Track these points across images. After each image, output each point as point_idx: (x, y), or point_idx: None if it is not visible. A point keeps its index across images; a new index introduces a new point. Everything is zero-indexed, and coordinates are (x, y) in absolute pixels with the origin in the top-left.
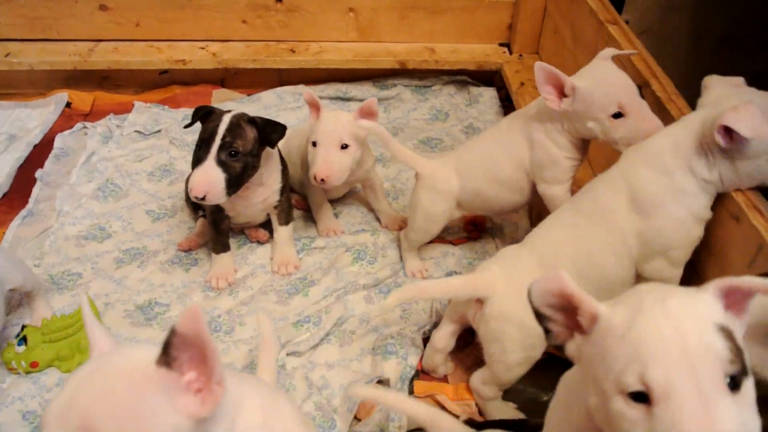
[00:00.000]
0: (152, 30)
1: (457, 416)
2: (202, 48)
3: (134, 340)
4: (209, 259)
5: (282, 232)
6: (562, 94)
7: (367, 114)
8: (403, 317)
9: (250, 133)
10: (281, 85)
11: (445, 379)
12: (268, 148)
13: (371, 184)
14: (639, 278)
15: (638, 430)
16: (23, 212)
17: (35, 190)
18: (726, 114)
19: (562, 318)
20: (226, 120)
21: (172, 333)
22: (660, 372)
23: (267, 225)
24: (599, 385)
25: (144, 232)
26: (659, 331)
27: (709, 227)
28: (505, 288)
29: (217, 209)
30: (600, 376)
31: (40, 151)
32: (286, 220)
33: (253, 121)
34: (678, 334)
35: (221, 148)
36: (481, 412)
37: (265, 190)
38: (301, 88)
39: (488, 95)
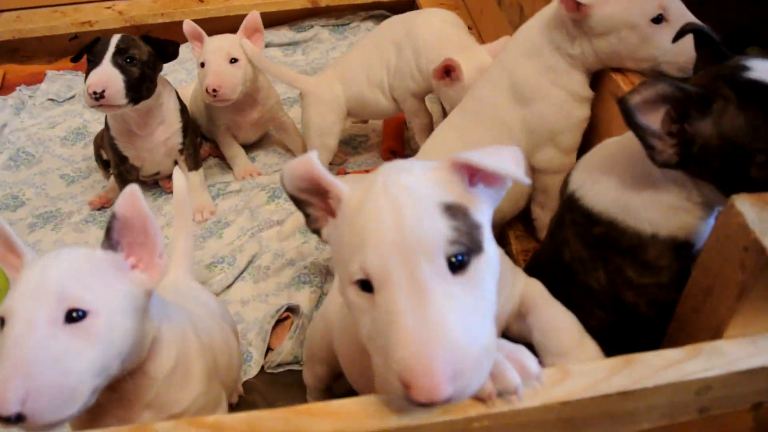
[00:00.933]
0: None
1: None
2: (108, 8)
3: None
4: None
5: (193, 178)
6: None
7: (253, 30)
8: (317, 248)
9: (144, 47)
10: None
11: None
12: (162, 77)
13: (282, 125)
14: (536, 173)
15: (365, 319)
16: None
17: None
18: None
19: (318, 202)
20: (117, 36)
21: (113, 217)
22: (376, 259)
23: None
24: (339, 273)
25: (58, 195)
26: (378, 215)
27: (594, 108)
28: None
29: (122, 160)
30: (337, 264)
31: None
32: (194, 164)
33: (145, 38)
34: (395, 217)
35: (116, 53)
36: None
37: (166, 129)
38: None
39: None
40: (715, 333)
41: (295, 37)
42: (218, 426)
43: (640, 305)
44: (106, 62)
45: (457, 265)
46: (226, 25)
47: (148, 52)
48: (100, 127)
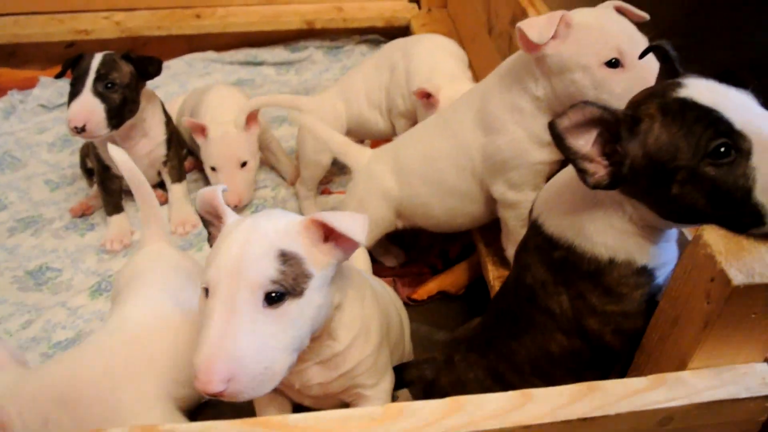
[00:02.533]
0: (54, 2)
1: None
2: (106, 18)
3: (22, 305)
4: (106, 224)
5: (176, 190)
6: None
7: (252, 119)
8: None
9: (125, 67)
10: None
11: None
12: (147, 91)
13: (267, 146)
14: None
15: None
16: None
17: None
18: (522, 21)
19: (217, 224)
20: (98, 57)
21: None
22: (213, 275)
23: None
24: None
25: (41, 201)
26: (230, 244)
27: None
28: (365, 167)
29: (104, 169)
30: None
31: None
32: (178, 177)
33: (127, 56)
34: (240, 250)
35: (97, 80)
36: None
37: (149, 141)
38: (210, 54)
39: None
40: (681, 363)
41: (290, 57)
42: None
43: (605, 334)
44: (87, 92)
45: (274, 300)
46: (223, 41)
47: (129, 73)
48: None
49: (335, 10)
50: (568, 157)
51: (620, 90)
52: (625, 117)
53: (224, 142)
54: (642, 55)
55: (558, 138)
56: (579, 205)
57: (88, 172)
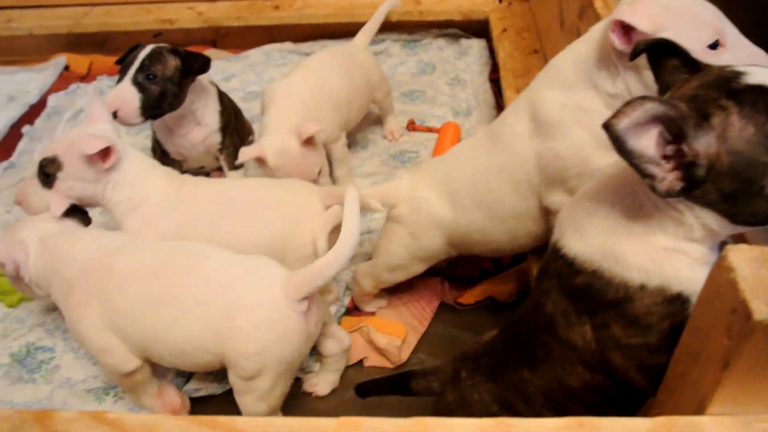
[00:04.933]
0: None
1: (382, 350)
2: (190, 8)
3: None
4: None
5: (233, 177)
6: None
7: (306, 135)
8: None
9: (172, 61)
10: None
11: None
12: (200, 83)
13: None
14: (550, 215)
15: None
16: (5, 164)
17: (20, 144)
18: (621, 8)
19: None
20: (148, 48)
21: None
22: None
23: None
24: None
25: None
26: None
27: None
28: (407, 196)
29: (164, 154)
30: None
31: (35, 111)
32: (233, 165)
33: (176, 51)
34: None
35: (139, 70)
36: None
37: (202, 129)
38: (287, 45)
39: (477, 46)
40: (699, 405)
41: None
42: (119, 424)
43: (629, 369)
44: (127, 80)
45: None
46: (300, 32)
47: (174, 68)
48: None
49: (412, 3)
50: (631, 162)
51: None
52: (691, 111)
53: (286, 170)
54: (632, 58)
55: (618, 141)
56: (614, 222)
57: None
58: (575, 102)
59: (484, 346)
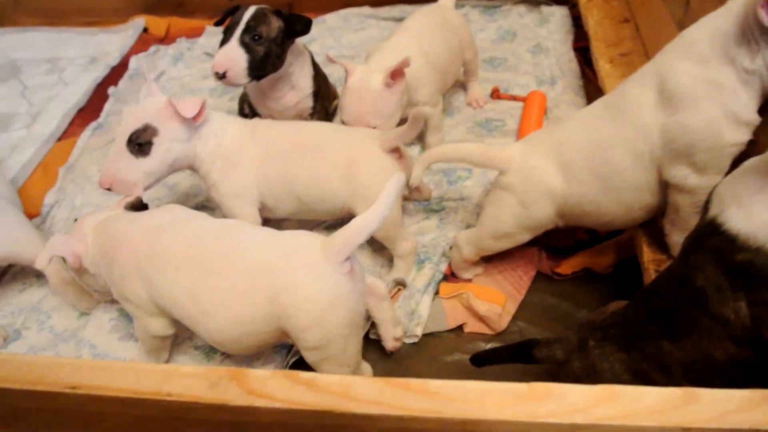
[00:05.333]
0: None
1: (482, 317)
2: None
3: None
4: None
5: None
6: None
7: (399, 75)
8: (439, 226)
9: (275, 22)
10: (347, 8)
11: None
12: (297, 47)
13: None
14: (669, 188)
15: None
16: (93, 124)
17: (107, 106)
18: None
19: None
20: (251, 10)
21: None
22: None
23: None
24: None
25: None
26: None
27: (759, 133)
28: (520, 165)
29: (254, 116)
30: None
31: (117, 73)
32: None
33: (278, 12)
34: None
35: (245, 31)
36: (493, 325)
37: (296, 93)
38: (365, 9)
39: (559, 14)
40: None
41: None
42: (313, 383)
43: None
44: (234, 41)
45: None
46: None
47: (277, 29)
48: None
49: None
50: None
51: None
52: None
53: (358, 93)
54: None
55: None
56: None
57: (243, 116)
58: (709, 76)
59: (612, 317)
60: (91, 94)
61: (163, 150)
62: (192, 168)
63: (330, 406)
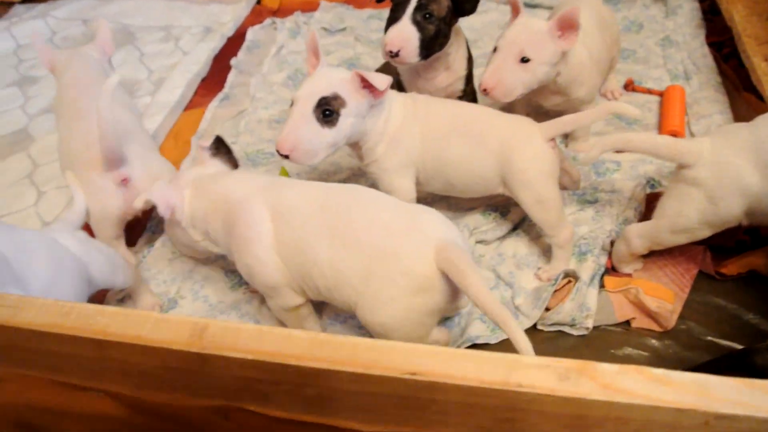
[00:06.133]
0: None
1: (652, 313)
2: None
3: None
4: None
5: None
6: None
7: (567, 26)
8: (594, 218)
9: (444, 1)
10: None
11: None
12: (456, 27)
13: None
14: None
15: None
16: (220, 95)
17: (230, 77)
18: None
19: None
20: None
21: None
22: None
23: None
24: None
25: None
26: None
27: None
28: (710, 159)
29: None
30: None
31: (232, 43)
32: None
33: None
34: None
35: (417, 9)
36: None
37: (450, 75)
38: None
39: (688, 7)
40: None
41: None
42: (666, 379)
43: None
44: (405, 19)
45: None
46: None
47: (447, 8)
48: (372, 60)
49: None
50: None
51: None
52: None
53: (518, 27)
54: None
55: None
56: None
57: None
58: None
59: None
60: (210, 64)
61: (347, 123)
62: (350, 145)
63: (689, 405)
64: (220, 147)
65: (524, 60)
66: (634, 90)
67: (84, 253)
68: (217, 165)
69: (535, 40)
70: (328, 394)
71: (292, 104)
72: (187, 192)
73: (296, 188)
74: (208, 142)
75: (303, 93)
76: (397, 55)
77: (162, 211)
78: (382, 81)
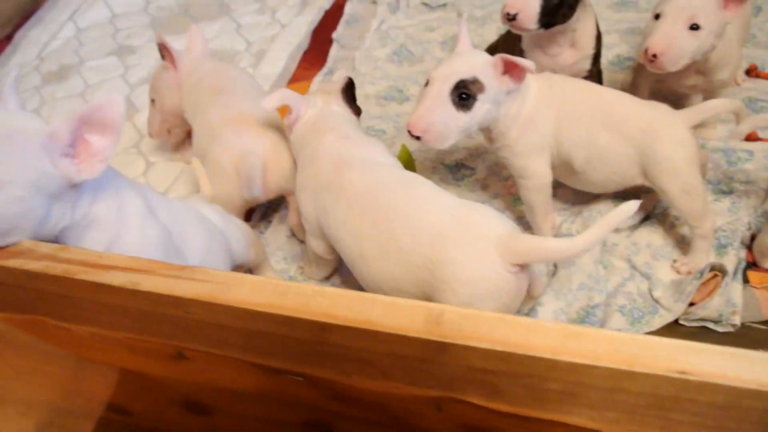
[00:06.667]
0: None
1: None
2: None
3: None
4: None
5: None
6: None
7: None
8: (730, 210)
9: None
10: None
11: None
12: (586, 0)
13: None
14: None
15: None
16: (324, 69)
17: (332, 51)
18: None
19: None
20: None
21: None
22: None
23: None
24: None
25: None
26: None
27: None
28: None
29: None
30: None
31: (330, 17)
32: None
33: None
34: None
35: None
36: None
37: (575, 53)
38: None
39: None
40: None
41: None
42: None
43: None
44: None
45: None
46: None
47: None
48: (477, 38)
49: None
50: None
51: None
52: None
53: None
54: None
55: None
56: None
57: None
58: None
59: None
60: (310, 36)
61: (483, 109)
62: (481, 129)
63: None
64: (347, 91)
65: (693, 27)
66: (758, 76)
67: (225, 227)
68: (341, 106)
69: (707, 8)
70: (571, 389)
71: (427, 84)
72: (310, 113)
73: (360, 171)
74: (342, 79)
75: (441, 73)
76: (514, 18)
77: (287, 118)
78: (527, 63)
